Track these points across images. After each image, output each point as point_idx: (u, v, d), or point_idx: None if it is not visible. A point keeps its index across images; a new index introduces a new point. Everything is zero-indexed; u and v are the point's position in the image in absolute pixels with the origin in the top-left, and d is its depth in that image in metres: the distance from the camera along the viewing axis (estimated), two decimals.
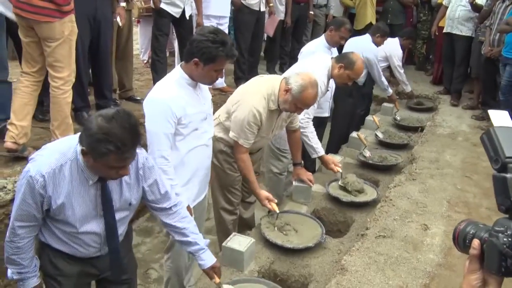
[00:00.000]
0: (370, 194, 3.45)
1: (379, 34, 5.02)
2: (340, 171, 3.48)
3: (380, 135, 4.75)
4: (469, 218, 1.03)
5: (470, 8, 5.78)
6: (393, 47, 5.54)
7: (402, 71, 5.70)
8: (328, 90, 3.69)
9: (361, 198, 3.38)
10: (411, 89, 6.15)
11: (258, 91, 2.78)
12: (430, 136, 4.75)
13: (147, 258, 3.64)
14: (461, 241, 0.98)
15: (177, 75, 2.32)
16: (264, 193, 2.88)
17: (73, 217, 1.80)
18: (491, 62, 5.15)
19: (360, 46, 4.58)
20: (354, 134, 4.64)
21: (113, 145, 1.58)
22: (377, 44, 5.06)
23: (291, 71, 3.44)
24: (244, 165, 2.86)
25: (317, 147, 3.46)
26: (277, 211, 2.89)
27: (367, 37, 5.05)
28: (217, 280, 2.21)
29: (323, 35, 4.51)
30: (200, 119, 2.39)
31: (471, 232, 0.97)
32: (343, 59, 3.43)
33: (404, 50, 6.00)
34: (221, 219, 3.18)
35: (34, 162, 1.73)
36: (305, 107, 2.83)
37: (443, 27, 6.35)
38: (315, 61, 3.56)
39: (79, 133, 1.72)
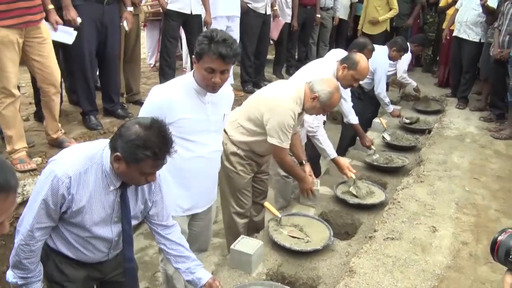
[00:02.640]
0: (378, 196, 3.44)
1: (395, 48, 4.96)
2: (354, 177, 3.50)
3: (388, 137, 4.73)
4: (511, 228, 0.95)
5: (480, 11, 5.63)
6: (380, 59, 4.92)
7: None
8: None
9: (368, 201, 3.37)
10: (416, 84, 6.05)
11: (288, 97, 2.84)
12: (437, 138, 4.73)
13: (155, 261, 3.65)
14: (502, 253, 0.92)
15: (187, 78, 2.29)
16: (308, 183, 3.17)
17: (90, 221, 1.82)
18: (501, 64, 5.08)
19: (373, 57, 4.36)
20: (376, 119, 5.02)
21: (151, 151, 1.67)
22: (393, 58, 5.02)
23: (302, 75, 3.51)
24: (289, 164, 3.07)
25: (329, 149, 3.54)
26: (279, 215, 2.94)
27: (383, 49, 4.99)
28: None
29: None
30: (199, 127, 2.29)
31: None
32: (347, 60, 3.45)
33: (413, 56, 5.95)
34: (232, 223, 3.19)
35: (58, 163, 1.75)
36: (332, 109, 3.07)
37: (453, 30, 6.28)
38: (321, 65, 3.59)
39: (103, 139, 1.83)
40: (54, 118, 3.33)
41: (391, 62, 5.17)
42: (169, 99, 2.19)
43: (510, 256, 0.90)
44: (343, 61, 3.47)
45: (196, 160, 2.33)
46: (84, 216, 1.80)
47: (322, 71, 3.45)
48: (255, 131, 2.93)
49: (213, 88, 2.19)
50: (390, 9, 6.95)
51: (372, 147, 4.26)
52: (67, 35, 3.43)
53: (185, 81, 2.28)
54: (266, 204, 3.04)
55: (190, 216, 2.54)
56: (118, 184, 1.81)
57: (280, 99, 2.82)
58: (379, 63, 4.85)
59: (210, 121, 2.32)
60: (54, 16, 3.29)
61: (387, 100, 5.14)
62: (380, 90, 5.01)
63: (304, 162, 3.32)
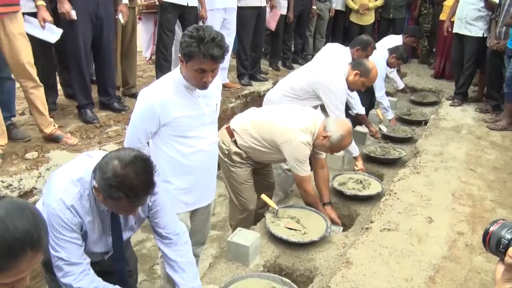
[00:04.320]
0: (374, 187, 3.45)
1: (395, 56, 4.94)
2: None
3: (384, 129, 4.75)
4: (504, 219, 0.97)
5: (479, 7, 5.42)
6: (378, 63, 4.75)
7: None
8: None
9: (365, 192, 3.38)
10: (403, 85, 5.97)
11: (304, 127, 2.88)
12: (434, 129, 4.74)
13: (152, 254, 3.66)
14: (493, 243, 0.93)
15: (176, 75, 2.22)
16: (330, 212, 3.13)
17: (91, 241, 1.83)
18: (497, 55, 5.07)
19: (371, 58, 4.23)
20: (373, 111, 5.03)
21: (124, 194, 1.59)
22: (390, 65, 4.98)
23: (311, 77, 3.60)
24: (312, 196, 3.06)
25: (354, 146, 3.72)
26: (276, 207, 2.96)
27: (383, 53, 4.95)
28: None
29: (348, 49, 4.25)
30: (194, 123, 2.28)
31: (506, 237, 0.91)
32: (359, 66, 3.52)
33: (408, 48, 5.89)
34: (237, 216, 3.24)
35: (53, 198, 1.70)
36: (340, 151, 3.16)
37: (445, 21, 6.22)
38: (333, 66, 3.64)
39: (86, 156, 1.78)
40: (41, 112, 3.27)
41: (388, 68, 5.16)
42: (161, 101, 2.15)
43: (501, 246, 0.91)
44: (355, 67, 3.55)
45: (197, 154, 2.34)
46: (88, 237, 1.80)
47: (337, 74, 3.54)
48: (267, 146, 2.98)
49: (204, 86, 2.17)
50: None
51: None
52: (50, 34, 3.36)
53: (173, 79, 2.22)
54: (263, 196, 3.05)
55: (191, 211, 2.56)
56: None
57: (294, 131, 2.85)
58: (377, 66, 4.77)
59: (205, 115, 2.31)
60: (42, 13, 3.24)
61: (387, 104, 5.05)
62: (378, 93, 4.98)
63: (326, 204, 3.17)
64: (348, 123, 3.04)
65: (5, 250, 1.06)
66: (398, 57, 4.93)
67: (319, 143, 2.93)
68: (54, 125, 3.41)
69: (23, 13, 3.20)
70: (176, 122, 2.20)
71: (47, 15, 3.28)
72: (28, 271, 1.12)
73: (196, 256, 2.79)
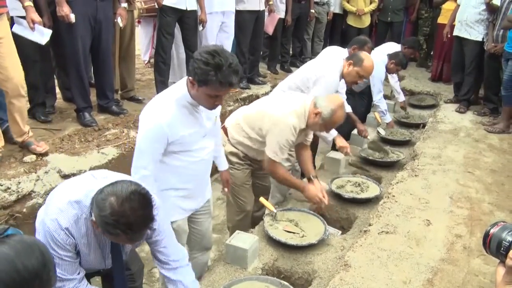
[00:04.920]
0: (372, 190, 3.46)
1: (394, 62, 4.88)
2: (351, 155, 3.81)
3: (382, 132, 4.75)
4: (504, 221, 0.96)
5: (480, 10, 5.39)
6: (377, 67, 4.62)
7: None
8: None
9: (363, 195, 3.39)
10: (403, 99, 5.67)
11: (293, 110, 2.82)
12: (432, 132, 4.75)
13: (151, 257, 3.64)
14: (493, 246, 0.93)
15: (179, 92, 2.17)
16: (312, 190, 2.97)
17: (87, 260, 1.83)
18: (494, 58, 5.08)
19: None
20: (371, 114, 5.04)
21: (122, 231, 1.58)
22: (389, 70, 4.94)
23: (308, 74, 3.60)
24: (282, 177, 2.97)
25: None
26: (274, 210, 2.96)
27: (382, 58, 4.90)
28: None
29: (346, 50, 4.16)
30: (198, 137, 2.28)
31: (507, 240, 0.91)
32: (352, 57, 3.54)
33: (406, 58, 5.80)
34: (235, 219, 3.24)
35: (50, 218, 1.69)
36: (334, 126, 3.00)
37: (446, 26, 6.21)
38: (328, 62, 3.65)
39: (96, 184, 1.72)
40: (16, 122, 3.15)
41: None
42: (168, 122, 2.11)
43: (502, 249, 0.91)
44: (348, 58, 3.55)
45: (197, 163, 2.35)
46: (82, 258, 1.80)
47: (330, 68, 3.54)
48: (257, 139, 2.95)
49: (214, 108, 2.20)
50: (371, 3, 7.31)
51: (368, 136, 4.39)
52: (40, 35, 3.33)
53: (176, 97, 2.16)
54: (261, 199, 3.05)
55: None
56: None
57: (284, 114, 2.80)
58: (376, 70, 4.76)
59: (206, 128, 2.32)
60: (31, 14, 3.18)
61: (384, 107, 4.99)
62: (375, 97, 4.94)
63: (312, 178, 3.09)
64: (339, 97, 2.97)
65: None
66: (397, 63, 4.93)
67: (311, 122, 2.85)
68: (28, 134, 3.27)
69: (17, 17, 3.20)
70: (183, 139, 2.20)
71: (35, 16, 3.22)
72: None
73: (204, 263, 2.80)
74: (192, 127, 2.23)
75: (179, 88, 2.19)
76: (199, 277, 2.79)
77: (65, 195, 1.72)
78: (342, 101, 2.93)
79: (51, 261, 1.16)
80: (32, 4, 3.24)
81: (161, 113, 2.12)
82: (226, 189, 2.88)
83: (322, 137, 3.76)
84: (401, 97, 5.49)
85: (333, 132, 3.64)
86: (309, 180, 3.10)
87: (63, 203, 1.70)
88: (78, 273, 1.78)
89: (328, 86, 3.51)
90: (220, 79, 1.95)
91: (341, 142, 3.76)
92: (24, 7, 3.19)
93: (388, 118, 5.05)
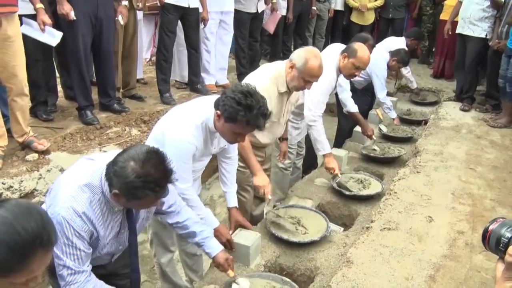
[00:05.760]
0: (374, 187, 3.46)
1: (396, 59, 4.88)
2: (340, 175, 3.48)
3: (384, 129, 4.75)
4: (503, 218, 0.96)
5: (484, 6, 5.32)
6: (379, 64, 4.83)
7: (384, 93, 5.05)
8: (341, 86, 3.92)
9: (365, 192, 3.39)
10: (416, 85, 6.02)
11: (265, 76, 2.80)
12: (434, 129, 4.75)
13: (152, 255, 3.65)
14: (493, 242, 0.93)
15: (200, 118, 2.21)
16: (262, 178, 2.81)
17: (102, 244, 1.83)
18: (498, 55, 5.03)
19: (373, 60, 4.04)
20: (372, 111, 5.00)
21: (151, 190, 1.61)
22: (390, 68, 4.94)
23: None
24: (243, 150, 2.82)
25: (325, 143, 3.44)
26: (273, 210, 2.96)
27: (384, 55, 4.91)
28: (231, 273, 2.22)
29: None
30: (204, 157, 2.43)
31: (506, 236, 0.91)
32: (347, 50, 3.48)
33: (409, 50, 5.81)
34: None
35: (59, 205, 1.67)
36: (313, 79, 2.83)
37: (444, 22, 6.20)
38: (323, 59, 3.60)
39: (88, 159, 1.78)
40: (18, 121, 3.14)
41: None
42: (198, 144, 2.22)
43: (501, 245, 0.91)
44: (343, 51, 3.51)
45: (202, 164, 2.48)
46: (99, 242, 1.80)
47: (324, 65, 3.47)
48: None
49: (234, 143, 2.28)
50: None
51: (373, 137, 4.29)
52: (51, 37, 3.36)
53: (204, 124, 2.23)
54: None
55: None
56: (121, 207, 1.79)
57: (254, 81, 2.62)
58: (378, 67, 4.78)
59: (212, 152, 2.45)
60: (41, 16, 3.23)
61: (389, 104, 4.99)
62: (380, 95, 4.93)
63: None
64: (314, 48, 2.89)
65: (16, 252, 1.07)
66: (399, 61, 4.91)
67: (289, 77, 2.80)
68: (28, 134, 3.24)
69: (23, 15, 3.21)
70: (198, 156, 2.32)
71: (46, 18, 3.26)
72: (40, 270, 1.13)
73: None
74: (210, 147, 2.35)
75: (206, 113, 2.22)
76: (201, 274, 2.81)
77: (72, 182, 1.72)
78: (317, 51, 2.84)
79: (51, 221, 1.16)
80: (43, 6, 3.26)
81: (194, 136, 2.19)
82: (230, 231, 2.61)
83: (315, 148, 3.58)
84: (414, 83, 5.91)
85: (326, 148, 3.46)
86: (281, 140, 3.22)
87: (73, 189, 1.69)
88: (88, 265, 1.79)
89: (324, 82, 3.45)
90: (248, 120, 2.02)
91: (330, 162, 3.46)
92: (35, 9, 3.21)
93: (393, 114, 5.07)
